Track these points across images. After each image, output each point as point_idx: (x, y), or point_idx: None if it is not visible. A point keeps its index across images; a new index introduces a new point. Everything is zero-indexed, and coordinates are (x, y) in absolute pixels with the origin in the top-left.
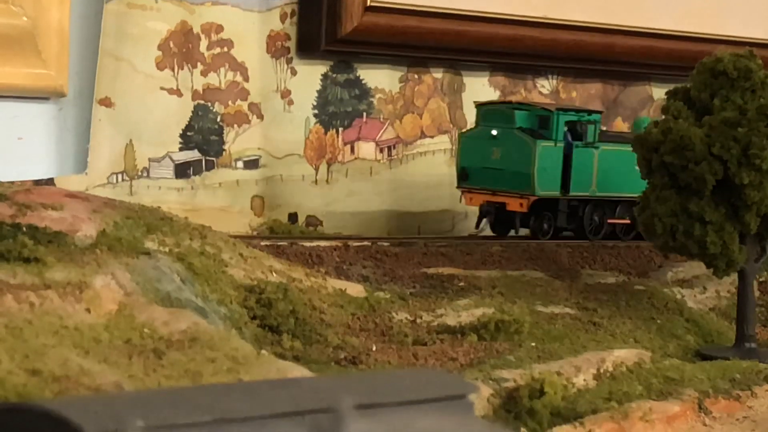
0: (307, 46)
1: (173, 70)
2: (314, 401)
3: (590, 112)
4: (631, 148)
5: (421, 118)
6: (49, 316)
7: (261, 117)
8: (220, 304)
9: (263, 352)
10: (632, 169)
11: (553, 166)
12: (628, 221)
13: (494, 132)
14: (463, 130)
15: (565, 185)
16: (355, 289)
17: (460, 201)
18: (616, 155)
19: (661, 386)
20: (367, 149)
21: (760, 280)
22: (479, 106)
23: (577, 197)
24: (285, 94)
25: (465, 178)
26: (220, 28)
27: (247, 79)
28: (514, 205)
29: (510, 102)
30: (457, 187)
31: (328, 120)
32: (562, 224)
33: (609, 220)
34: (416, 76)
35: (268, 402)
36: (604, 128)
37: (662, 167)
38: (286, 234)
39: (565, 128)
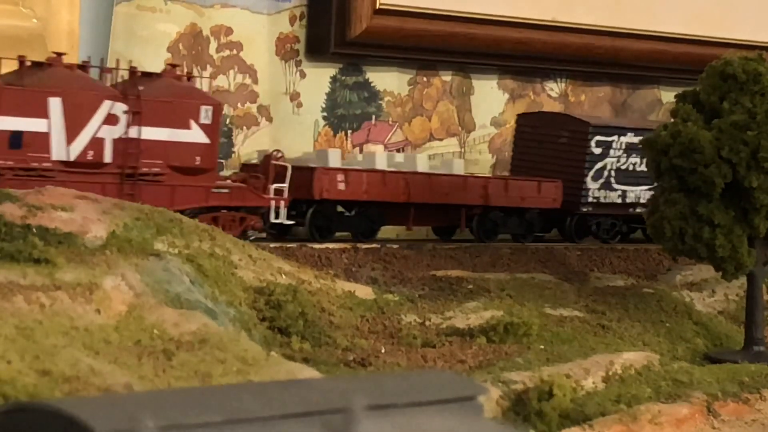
0: (316, 49)
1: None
2: (326, 402)
3: None
4: None
5: (429, 121)
6: (60, 316)
7: (270, 119)
8: (229, 306)
9: (273, 353)
10: None
11: None
12: None
13: None
14: None
15: None
16: (364, 291)
17: None
18: None
19: (669, 389)
20: (376, 152)
21: None
22: None
23: None
24: (294, 96)
25: None
26: (229, 31)
27: (256, 82)
28: None
29: None
30: None
31: (337, 122)
32: None
33: None
34: (425, 79)
35: (279, 402)
36: None
37: (671, 170)
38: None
39: None
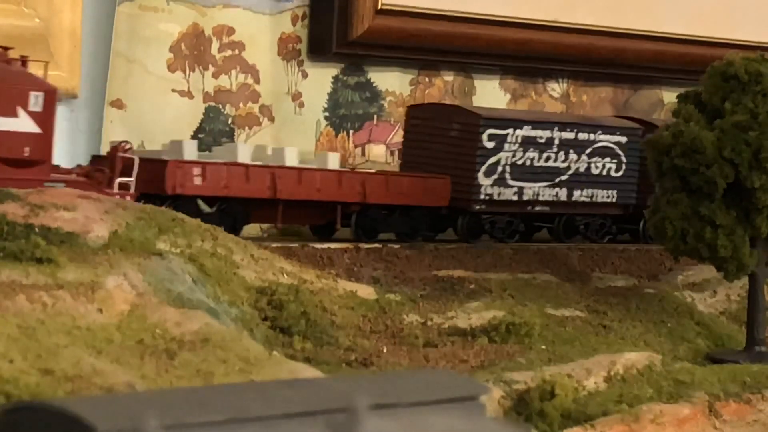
0: (318, 49)
1: (185, 72)
2: (329, 401)
3: None
4: None
5: None
6: (62, 316)
7: (272, 119)
8: (231, 305)
9: (275, 353)
10: None
11: None
12: None
13: None
14: None
15: None
16: (366, 291)
17: None
18: None
19: (671, 389)
20: (377, 152)
21: None
22: None
23: None
24: (296, 96)
25: None
26: (231, 31)
27: (258, 82)
28: None
29: None
30: None
31: (338, 122)
32: None
33: None
34: (427, 79)
35: (282, 402)
36: None
37: (673, 170)
38: (296, 236)
39: None
